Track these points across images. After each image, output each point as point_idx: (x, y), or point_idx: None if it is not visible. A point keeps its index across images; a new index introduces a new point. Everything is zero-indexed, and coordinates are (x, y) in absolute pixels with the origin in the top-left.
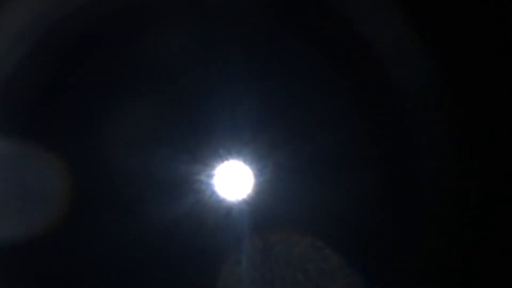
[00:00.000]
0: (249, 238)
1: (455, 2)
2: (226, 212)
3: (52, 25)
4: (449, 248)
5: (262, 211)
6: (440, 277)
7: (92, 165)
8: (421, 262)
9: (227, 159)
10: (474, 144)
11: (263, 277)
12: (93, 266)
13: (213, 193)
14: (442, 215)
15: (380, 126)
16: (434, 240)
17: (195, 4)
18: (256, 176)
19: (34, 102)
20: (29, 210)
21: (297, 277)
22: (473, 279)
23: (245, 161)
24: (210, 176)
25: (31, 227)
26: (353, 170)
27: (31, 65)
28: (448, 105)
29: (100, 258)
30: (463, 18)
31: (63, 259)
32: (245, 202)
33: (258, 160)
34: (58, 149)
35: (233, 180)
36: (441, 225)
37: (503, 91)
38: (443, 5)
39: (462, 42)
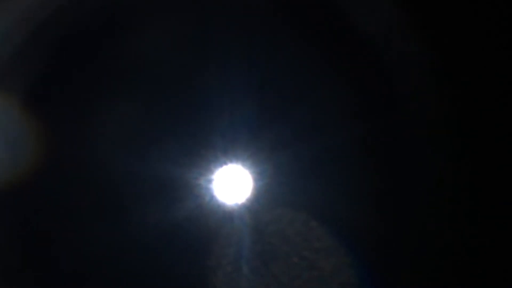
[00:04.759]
0: (249, 242)
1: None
2: (225, 217)
3: (46, 20)
4: (448, 246)
5: (262, 215)
6: (436, 272)
7: (89, 169)
8: (422, 260)
9: (226, 163)
10: (475, 143)
11: (263, 281)
12: (91, 271)
13: (213, 197)
14: (444, 215)
15: (381, 127)
16: (436, 240)
17: (193, 4)
18: (256, 180)
19: (27, 100)
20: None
21: (297, 280)
22: (473, 279)
23: (244, 165)
24: (209, 180)
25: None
26: (354, 172)
27: (23, 61)
28: (449, 105)
29: (97, 263)
30: (466, 16)
31: (60, 262)
32: (244, 206)
33: (257, 164)
34: (53, 151)
35: (232, 184)
36: (442, 225)
37: (504, 90)
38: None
39: (464, 41)
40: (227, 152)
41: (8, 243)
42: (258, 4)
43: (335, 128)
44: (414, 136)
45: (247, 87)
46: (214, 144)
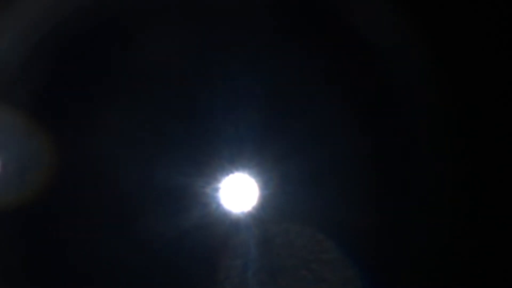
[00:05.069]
0: (255, 251)
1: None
2: (232, 225)
3: (53, 26)
4: (448, 246)
5: (268, 224)
6: (436, 272)
7: (96, 177)
8: (422, 260)
9: (232, 172)
10: (475, 143)
11: None
12: (96, 278)
13: (219, 206)
14: (444, 215)
15: (385, 137)
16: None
17: (199, 11)
18: (262, 189)
19: (32, 105)
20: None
21: None
22: (473, 279)
23: (250, 174)
24: (216, 189)
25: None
26: (359, 181)
27: (30, 66)
28: (449, 105)
29: (105, 271)
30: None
31: (66, 271)
32: (251, 215)
33: (263, 172)
34: (59, 159)
35: (238, 193)
36: (442, 225)
37: (504, 90)
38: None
39: (463, 41)
40: (234, 161)
41: (9, 243)
42: (266, 16)
43: (340, 137)
44: (414, 136)
45: (253, 96)
46: (220, 153)
